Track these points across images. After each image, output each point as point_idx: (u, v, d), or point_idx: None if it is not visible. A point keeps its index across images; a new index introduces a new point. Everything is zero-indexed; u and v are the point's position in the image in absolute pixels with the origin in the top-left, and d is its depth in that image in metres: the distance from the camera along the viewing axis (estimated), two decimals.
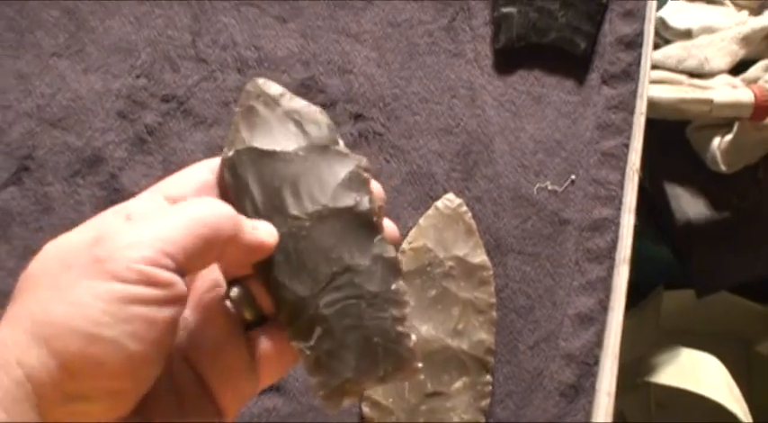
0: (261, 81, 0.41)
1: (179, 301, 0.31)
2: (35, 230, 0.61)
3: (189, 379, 0.36)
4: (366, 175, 0.40)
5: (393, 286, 0.39)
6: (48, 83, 0.65)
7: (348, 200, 0.39)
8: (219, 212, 0.34)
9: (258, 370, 0.37)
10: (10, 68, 0.65)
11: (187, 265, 0.32)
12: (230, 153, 0.39)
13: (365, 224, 0.39)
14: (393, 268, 0.39)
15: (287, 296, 0.38)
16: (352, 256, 0.38)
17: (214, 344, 0.36)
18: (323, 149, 0.40)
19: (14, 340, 0.29)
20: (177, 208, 0.34)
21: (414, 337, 0.39)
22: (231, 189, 0.38)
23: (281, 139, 0.39)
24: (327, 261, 0.38)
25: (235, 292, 0.38)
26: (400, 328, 0.38)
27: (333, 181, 0.39)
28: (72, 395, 0.29)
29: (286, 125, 0.40)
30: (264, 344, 0.38)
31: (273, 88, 0.40)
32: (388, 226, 0.40)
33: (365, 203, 0.39)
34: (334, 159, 0.39)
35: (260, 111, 0.40)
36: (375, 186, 0.40)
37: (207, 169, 0.39)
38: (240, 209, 0.37)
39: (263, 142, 0.39)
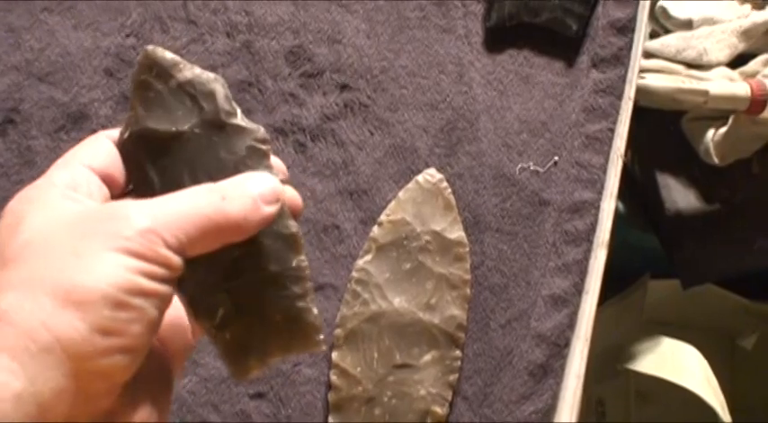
0: (151, 49, 0.38)
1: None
2: (15, 183, 0.62)
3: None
4: (265, 147, 0.38)
5: (293, 263, 0.38)
6: (37, 37, 0.65)
7: None
8: (228, 216, 0.35)
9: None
10: (0, 21, 0.66)
11: (189, 251, 0.34)
12: (126, 135, 0.38)
13: None
14: (293, 244, 0.38)
15: (190, 275, 0.37)
16: (253, 236, 0.37)
17: None
18: (218, 125, 0.38)
19: (36, 305, 0.30)
20: (192, 195, 0.35)
21: (315, 310, 0.39)
22: (129, 174, 0.38)
23: (175, 117, 0.38)
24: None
25: None
26: (302, 304, 0.38)
27: (231, 158, 0.38)
28: (102, 351, 0.31)
29: (180, 100, 0.38)
30: None
31: (166, 57, 0.38)
32: (292, 196, 0.39)
33: None
34: (231, 134, 0.38)
35: (153, 85, 0.38)
36: (273, 159, 0.39)
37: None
38: (141, 195, 0.37)
39: (157, 121, 0.38)
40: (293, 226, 0.38)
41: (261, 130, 0.38)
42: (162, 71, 0.38)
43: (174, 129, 0.38)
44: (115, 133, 0.38)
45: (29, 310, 0.30)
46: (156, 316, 0.33)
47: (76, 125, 0.63)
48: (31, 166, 0.62)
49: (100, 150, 0.37)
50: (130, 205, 0.34)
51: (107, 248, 0.32)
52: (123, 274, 0.31)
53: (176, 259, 0.33)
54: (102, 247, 0.32)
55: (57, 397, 0.30)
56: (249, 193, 0.36)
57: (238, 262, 0.38)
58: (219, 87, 0.38)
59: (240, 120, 0.38)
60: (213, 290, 0.38)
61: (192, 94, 0.38)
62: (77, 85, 0.64)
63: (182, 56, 0.64)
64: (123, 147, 0.38)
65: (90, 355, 0.30)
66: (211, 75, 0.38)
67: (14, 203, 0.34)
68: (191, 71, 0.38)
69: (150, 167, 0.38)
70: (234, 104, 0.39)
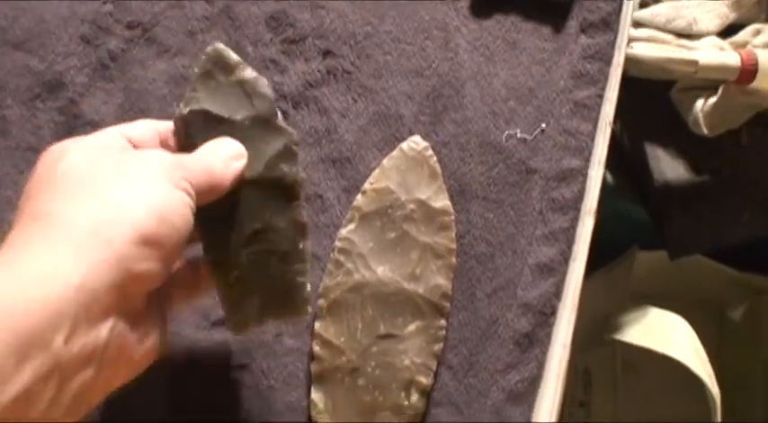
0: (221, 47, 0.46)
1: None
2: None
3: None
4: (296, 148, 0.47)
5: (300, 246, 0.48)
6: (11, 5, 0.64)
7: (278, 171, 0.47)
8: (214, 175, 0.43)
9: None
10: None
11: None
12: (185, 111, 0.45)
13: (288, 192, 0.47)
14: (303, 231, 0.48)
15: (216, 240, 0.46)
16: (272, 217, 0.47)
17: None
18: (265, 122, 0.46)
19: (86, 211, 0.36)
20: (203, 151, 0.45)
21: (309, 287, 0.49)
22: (181, 144, 0.46)
23: (230, 107, 0.46)
24: (252, 219, 0.46)
25: None
26: (300, 279, 0.48)
27: (269, 151, 0.46)
28: (144, 257, 0.37)
29: (237, 94, 0.46)
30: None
31: (231, 57, 0.46)
32: None
33: (292, 175, 0.47)
34: (273, 133, 0.47)
35: (216, 76, 0.46)
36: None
37: (164, 125, 0.46)
38: None
39: (214, 107, 0.46)
40: (305, 216, 0.48)
41: (295, 134, 0.47)
42: (226, 66, 0.46)
43: (228, 116, 0.46)
44: (158, 124, 0.45)
45: (80, 216, 0.35)
46: (185, 237, 0.39)
47: (52, 94, 0.62)
48: (5, 136, 0.61)
49: (144, 129, 0.44)
50: (159, 151, 0.43)
51: (151, 173, 0.39)
52: (169, 191, 0.38)
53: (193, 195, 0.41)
54: (146, 171, 0.39)
55: (107, 292, 0.35)
56: (222, 156, 0.44)
57: (257, 234, 0.46)
58: (270, 92, 0.47)
59: (281, 122, 0.47)
60: (233, 254, 0.46)
61: (248, 91, 0.46)
62: (53, 52, 0.63)
63: (159, 22, 0.63)
64: (182, 119, 0.45)
65: (135, 259, 0.36)
66: (264, 80, 0.47)
67: (55, 147, 0.40)
68: (249, 73, 0.47)
69: (201, 141, 0.45)
70: (276, 109, 0.47)
